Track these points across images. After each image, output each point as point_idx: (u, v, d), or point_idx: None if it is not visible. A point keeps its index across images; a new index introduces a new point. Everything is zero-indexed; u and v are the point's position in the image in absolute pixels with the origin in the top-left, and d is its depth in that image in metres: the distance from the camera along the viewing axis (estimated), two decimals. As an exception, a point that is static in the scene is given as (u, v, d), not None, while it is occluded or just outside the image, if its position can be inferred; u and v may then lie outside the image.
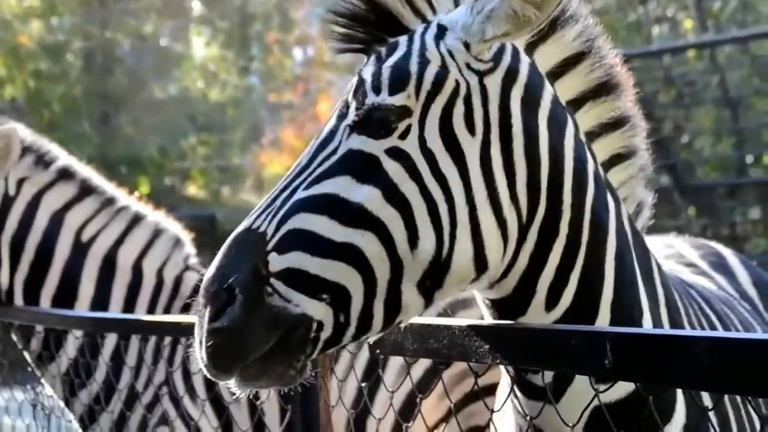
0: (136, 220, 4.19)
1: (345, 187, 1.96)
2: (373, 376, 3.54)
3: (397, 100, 2.01)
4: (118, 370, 3.82)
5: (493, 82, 2.07)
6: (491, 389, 2.75)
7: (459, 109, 2.04)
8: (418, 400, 2.35)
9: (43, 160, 4.14)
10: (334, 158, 2.00)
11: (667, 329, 1.97)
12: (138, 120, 22.20)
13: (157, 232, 4.19)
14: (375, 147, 1.99)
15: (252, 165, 25.73)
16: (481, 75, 2.07)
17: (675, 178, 10.69)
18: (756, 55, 11.38)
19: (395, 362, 3.63)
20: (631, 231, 2.23)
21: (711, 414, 1.99)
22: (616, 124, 2.27)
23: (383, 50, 2.11)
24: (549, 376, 1.99)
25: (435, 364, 3.36)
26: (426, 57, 2.06)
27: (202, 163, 23.94)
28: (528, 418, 2.08)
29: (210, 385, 3.68)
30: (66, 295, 4.04)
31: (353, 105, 2.04)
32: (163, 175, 22.21)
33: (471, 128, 2.03)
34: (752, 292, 3.45)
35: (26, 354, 4.10)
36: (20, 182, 4.08)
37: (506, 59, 2.10)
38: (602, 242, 2.13)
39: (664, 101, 11.58)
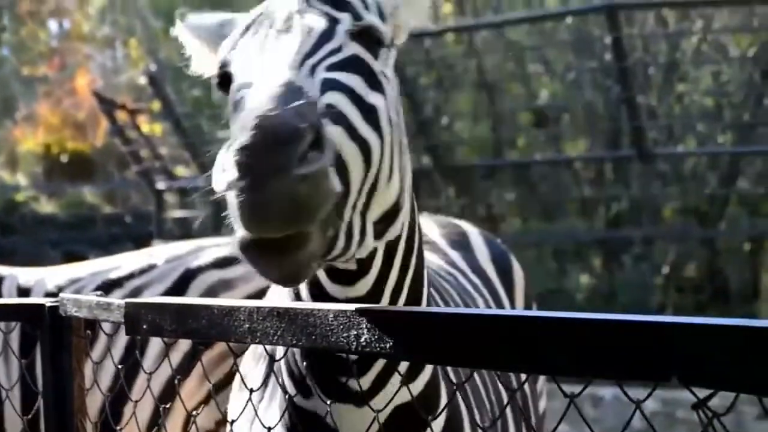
0: None
1: (360, 85, 1.87)
2: (130, 359, 3.46)
3: (386, 29, 2.01)
4: None
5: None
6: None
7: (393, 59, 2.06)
8: (176, 382, 2.30)
9: None
10: (341, 55, 1.88)
11: (414, 307, 2.01)
12: None
13: None
14: (374, 63, 1.95)
15: (5, 140, 24.61)
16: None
17: (436, 159, 10.98)
18: (510, 40, 11.83)
19: (155, 345, 3.55)
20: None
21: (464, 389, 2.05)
22: None
23: None
24: (368, 381, 2.01)
25: (195, 346, 3.31)
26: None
27: (-50, 138, 22.70)
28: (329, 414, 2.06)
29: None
30: None
31: (347, 16, 1.95)
32: None
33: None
34: (489, 268, 3.59)
35: None
36: None
37: None
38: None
39: (425, 84, 11.86)
